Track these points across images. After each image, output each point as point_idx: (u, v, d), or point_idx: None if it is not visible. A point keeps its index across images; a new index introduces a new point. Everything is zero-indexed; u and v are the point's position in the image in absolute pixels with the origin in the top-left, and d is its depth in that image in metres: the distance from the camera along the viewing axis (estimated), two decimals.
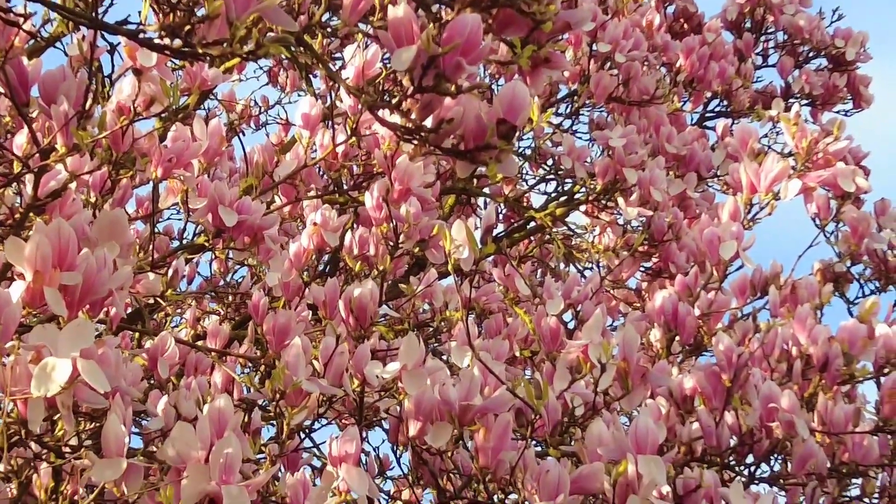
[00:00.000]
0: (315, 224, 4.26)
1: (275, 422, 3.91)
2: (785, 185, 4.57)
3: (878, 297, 4.28)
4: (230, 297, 5.36)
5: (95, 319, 3.02)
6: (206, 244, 4.16)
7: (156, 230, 4.36)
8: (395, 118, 2.45)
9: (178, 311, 5.45)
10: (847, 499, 3.90)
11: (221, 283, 5.40)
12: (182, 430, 2.89)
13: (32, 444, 2.96)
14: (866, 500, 3.90)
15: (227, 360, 4.31)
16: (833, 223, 5.16)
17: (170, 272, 4.30)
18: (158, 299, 4.54)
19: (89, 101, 3.35)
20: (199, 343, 4.50)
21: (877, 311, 4.03)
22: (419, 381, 3.49)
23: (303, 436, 4.14)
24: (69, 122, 3.30)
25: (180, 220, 5.47)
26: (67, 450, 2.93)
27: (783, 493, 3.91)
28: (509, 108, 2.35)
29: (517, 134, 2.39)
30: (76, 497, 3.00)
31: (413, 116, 2.37)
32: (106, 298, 3.02)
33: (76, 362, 2.66)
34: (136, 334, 4.60)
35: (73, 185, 3.53)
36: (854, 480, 3.88)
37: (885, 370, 3.94)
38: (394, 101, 2.41)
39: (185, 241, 4.79)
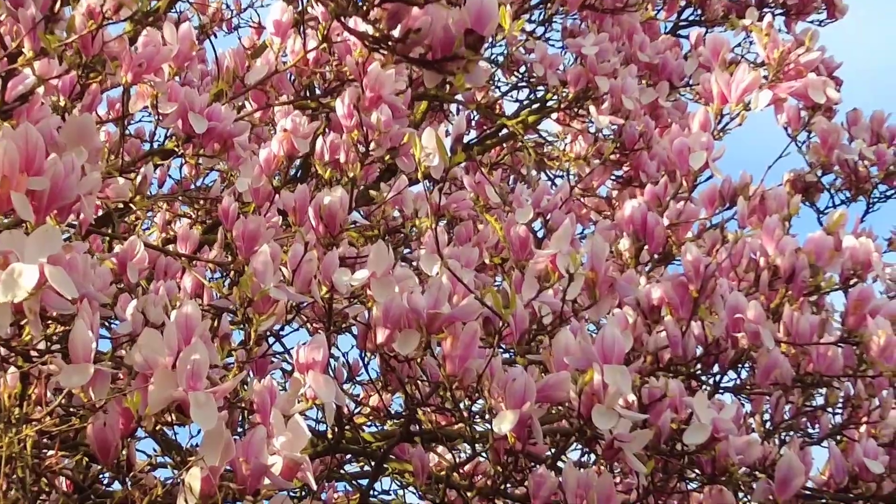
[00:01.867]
0: (285, 130, 4.25)
1: (243, 327, 3.93)
2: (756, 96, 4.57)
3: (846, 208, 4.30)
4: (201, 202, 5.34)
5: (64, 224, 3.02)
6: (177, 149, 4.15)
7: (126, 133, 4.34)
8: (366, 26, 2.44)
9: (149, 214, 5.44)
10: (811, 408, 3.95)
11: (192, 187, 5.38)
12: (149, 336, 2.89)
13: None
14: (830, 410, 3.95)
15: (197, 265, 4.31)
16: (804, 134, 5.18)
17: (139, 178, 4.29)
18: (128, 203, 4.52)
19: (58, 4, 3.32)
20: (169, 247, 4.50)
21: (845, 223, 4.05)
22: (388, 289, 3.49)
23: (272, 340, 4.16)
24: (37, 26, 3.27)
25: (151, 122, 5.44)
26: (35, 354, 2.93)
27: (748, 402, 3.95)
28: (477, 18, 2.34)
29: (485, 44, 2.39)
30: (43, 402, 3.00)
31: (381, 26, 2.36)
32: (74, 204, 3.01)
33: (43, 268, 2.66)
34: (106, 238, 4.59)
35: (41, 90, 3.50)
36: (818, 391, 3.93)
37: (852, 282, 3.97)
38: (363, 9, 2.39)
39: (155, 145, 4.76)
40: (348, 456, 5.10)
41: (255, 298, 3.47)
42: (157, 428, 3.05)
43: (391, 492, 5.17)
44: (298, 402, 3.26)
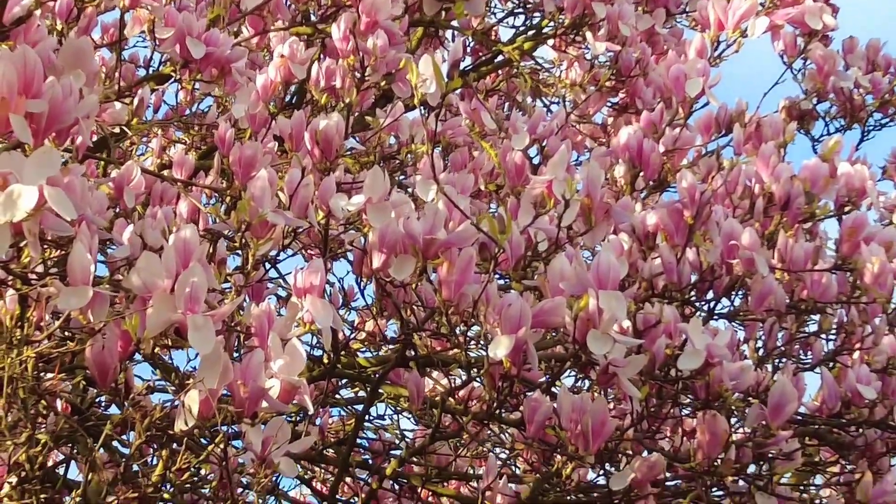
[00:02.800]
0: (282, 56, 4.23)
1: (240, 252, 3.93)
2: (752, 23, 4.56)
3: (841, 135, 4.31)
4: (196, 127, 5.33)
5: (61, 148, 3.02)
6: (173, 74, 4.13)
7: (122, 59, 4.33)
8: None
9: (144, 140, 5.43)
10: (804, 335, 3.97)
11: (187, 112, 5.37)
12: (148, 259, 2.90)
13: None
14: (823, 336, 3.97)
15: (193, 191, 4.31)
16: (800, 61, 5.17)
17: (135, 101, 4.28)
18: (124, 128, 4.52)
19: None
20: (165, 173, 4.50)
21: (840, 150, 4.06)
22: (384, 214, 3.50)
23: (268, 266, 4.16)
24: None
25: (147, 47, 5.42)
26: (33, 277, 2.94)
27: (742, 328, 3.97)
28: None
29: None
30: (42, 324, 3.02)
31: None
32: (72, 127, 3.01)
33: (42, 189, 2.67)
34: (102, 163, 4.59)
35: (37, 12, 3.49)
36: (812, 317, 3.95)
37: (846, 209, 3.98)
38: None
39: (151, 70, 4.75)
40: (343, 381, 5.14)
41: (253, 223, 3.48)
42: (155, 352, 3.07)
43: (386, 416, 5.21)
44: (296, 327, 3.27)
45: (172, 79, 4.18)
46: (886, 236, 3.89)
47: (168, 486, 3.12)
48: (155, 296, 2.86)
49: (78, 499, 2.93)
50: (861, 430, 3.81)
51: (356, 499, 4.50)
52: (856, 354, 3.88)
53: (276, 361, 3.03)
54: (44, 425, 3.22)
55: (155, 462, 3.60)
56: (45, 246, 3.01)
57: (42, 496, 2.93)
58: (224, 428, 2.96)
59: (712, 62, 4.65)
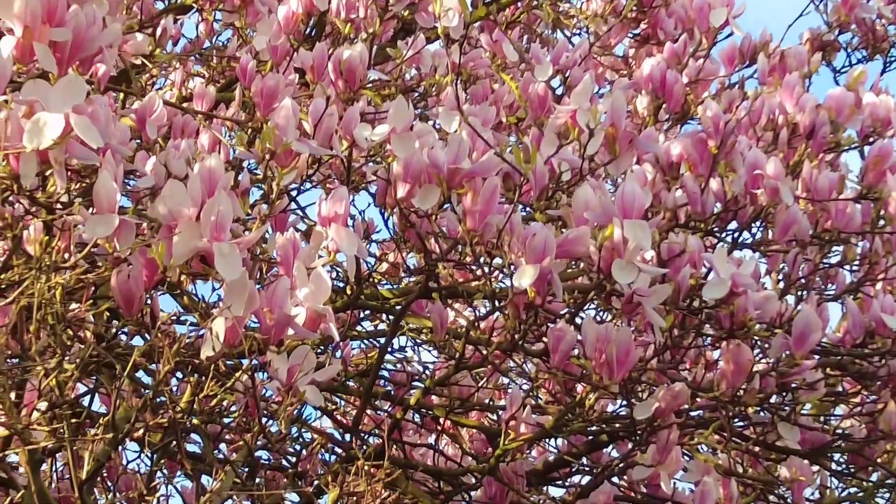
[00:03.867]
0: None
1: (262, 185, 3.93)
2: None
3: (865, 66, 4.27)
4: (216, 60, 5.31)
5: (86, 77, 3.01)
6: (195, 4, 4.12)
7: None
8: None
9: (164, 73, 5.41)
10: (827, 266, 3.96)
11: (207, 45, 5.35)
12: (173, 187, 2.91)
13: (24, 201, 2.98)
14: (847, 267, 3.96)
15: (214, 123, 4.30)
16: None
17: (158, 32, 4.26)
18: (144, 60, 4.51)
19: None
20: (185, 105, 4.49)
21: (864, 80, 4.04)
22: (408, 144, 3.49)
23: (290, 199, 4.16)
24: None
25: None
26: (59, 206, 2.94)
27: (765, 259, 3.96)
28: None
29: None
30: (67, 254, 3.02)
31: None
32: (95, 56, 3.01)
33: (68, 117, 2.67)
34: (121, 96, 4.58)
35: None
36: (835, 248, 3.94)
37: (871, 139, 3.96)
38: None
39: (172, 1, 4.72)
40: (365, 314, 5.14)
41: (278, 151, 3.47)
42: (182, 281, 3.08)
43: (407, 349, 5.21)
44: (320, 257, 3.27)
45: (194, 9, 4.16)
46: None
47: (194, 415, 3.13)
48: (181, 224, 2.86)
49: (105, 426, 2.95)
50: (884, 361, 3.80)
51: (378, 430, 4.50)
52: (879, 285, 3.87)
53: (302, 289, 3.03)
54: (70, 355, 3.22)
55: (180, 392, 3.61)
56: (71, 176, 3.01)
57: (71, 420, 2.95)
58: (250, 357, 2.96)
59: None
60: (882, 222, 3.83)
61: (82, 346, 3.29)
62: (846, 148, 3.94)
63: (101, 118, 2.93)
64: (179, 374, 3.67)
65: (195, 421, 3.13)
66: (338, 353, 4.78)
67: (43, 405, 2.97)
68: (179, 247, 2.86)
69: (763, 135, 3.97)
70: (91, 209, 2.86)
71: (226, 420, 3.69)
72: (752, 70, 4.63)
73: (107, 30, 3.04)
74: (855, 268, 3.96)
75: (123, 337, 4.00)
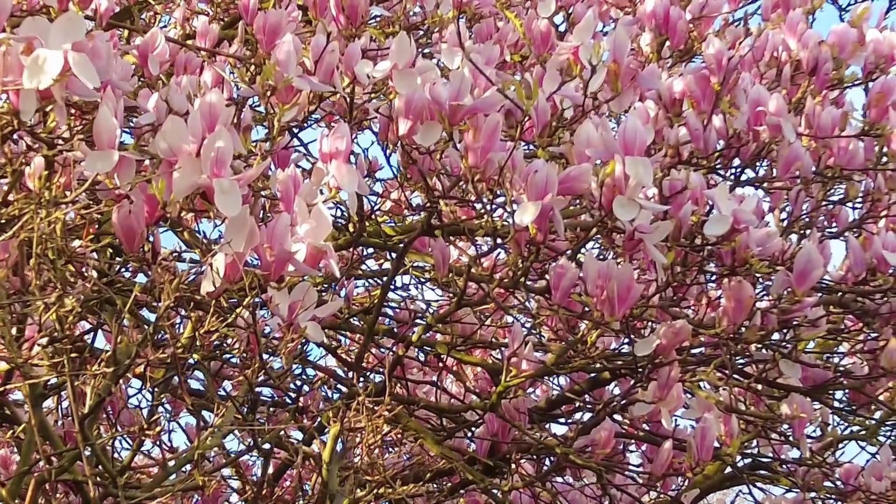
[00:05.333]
0: None
1: (265, 124, 3.92)
2: None
3: (870, 2, 4.24)
4: None
5: (87, 12, 3.00)
6: None
7: None
8: None
9: (167, 10, 5.39)
10: (830, 203, 3.96)
11: None
12: (173, 123, 2.90)
13: (25, 139, 2.98)
14: (849, 204, 3.96)
15: (217, 60, 4.28)
16: None
17: None
18: None
19: None
20: (189, 43, 4.47)
21: (868, 17, 4.02)
22: (410, 80, 3.48)
23: (292, 136, 4.16)
24: None
25: None
26: (60, 142, 2.94)
27: (768, 198, 3.96)
28: None
29: None
30: (68, 190, 3.02)
31: None
32: None
33: (67, 54, 2.66)
34: (126, 33, 4.57)
35: None
36: (838, 185, 3.93)
37: (874, 75, 3.95)
38: None
39: None
40: (369, 252, 5.16)
41: (279, 87, 3.46)
42: (182, 217, 3.08)
43: (411, 287, 5.22)
44: (321, 194, 3.27)
45: None
46: None
47: (196, 351, 3.14)
48: (181, 159, 2.86)
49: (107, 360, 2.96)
50: (886, 298, 3.80)
51: (381, 367, 4.53)
52: (882, 222, 3.87)
53: (303, 226, 3.03)
54: (72, 291, 3.23)
55: (182, 329, 3.62)
56: (71, 113, 3.01)
57: (72, 356, 2.95)
58: (251, 293, 2.96)
59: None
60: (885, 159, 3.82)
61: (84, 283, 3.30)
62: (849, 85, 3.93)
63: (102, 54, 2.93)
64: (182, 311, 3.68)
65: (197, 355, 3.14)
66: (342, 292, 4.80)
67: (44, 340, 2.98)
68: (180, 182, 2.86)
69: (766, 72, 3.96)
70: (92, 145, 2.86)
71: (228, 356, 3.71)
72: (756, 6, 4.62)
73: None
74: (858, 205, 3.95)
75: (127, 274, 4.03)
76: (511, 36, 4.69)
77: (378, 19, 4.57)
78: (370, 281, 5.42)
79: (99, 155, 2.83)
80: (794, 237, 3.84)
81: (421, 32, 4.82)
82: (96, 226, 3.53)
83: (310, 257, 3.03)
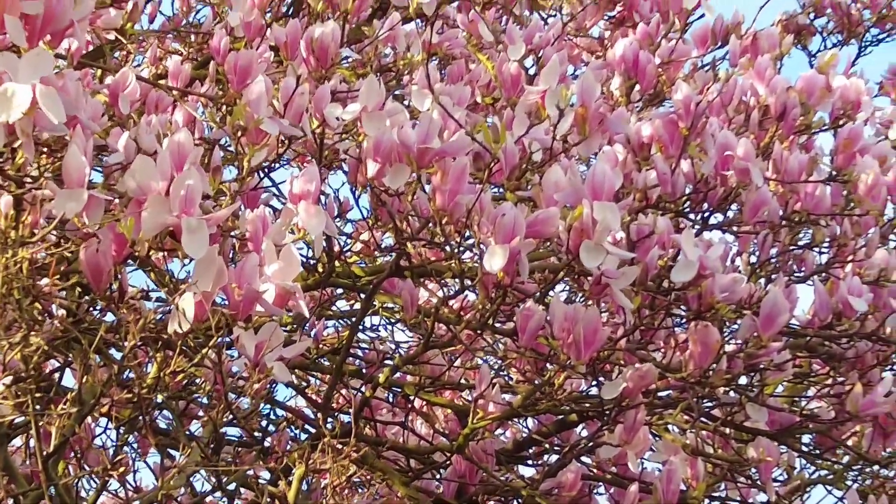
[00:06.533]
0: None
1: (235, 163, 3.93)
2: None
3: (838, 49, 4.29)
4: (192, 38, 5.31)
5: (55, 53, 3.00)
6: None
7: None
8: None
9: (140, 49, 5.41)
10: (797, 247, 3.98)
11: (184, 23, 5.35)
12: (143, 162, 2.91)
13: None
14: (816, 248, 3.98)
15: (188, 100, 4.29)
16: None
17: (129, 6, 4.25)
18: (119, 37, 4.50)
19: None
20: (161, 83, 4.48)
21: (836, 64, 4.06)
22: (379, 123, 3.49)
23: (262, 176, 4.16)
24: None
25: None
26: (28, 180, 2.94)
27: (735, 242, 3.98)
28: None
29: None
30: (36, 228, 3.02)
31: None
32: (67, 29, 2.99)
33: (35, 88, 2.67)
34: (98, 72, 4.57)
35: None
36: (805, 229, 3.96)
37: (841, 122, 3.98)
38: None
39: None
40: (338, 293, 5.16)
41: (249, 128, 3.46)
42: (150, 256, 3.08)
43: (380, 328, 5.23)
44: (290, 234, 3.28)
45: None
46: (881, 150, 3.92)
47: (162, 391, 3.13)
48: (150, 198, 2.87)
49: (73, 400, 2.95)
50: (852, 342, 3.83)
51: (350, 408, 4.52)
52: (848, 267, 3.90)
53: (271, 266, 3.04)
54: (39, 330, 3.23)
55: (149, 367, 3.61)
56: (41, 151, 3.01)
57: (37, 395, 2.95)
58: (218, 332, 2.96)
59: None
60: (852, 205, 3.85)
61: (52, 322, 3.29)
62: (817, 130, 3.96)
63: (72, 91, 2.93)
64: (149, 350, 3.68)
65: (161, 396, 3.13)
66: (312, 332, 4.80)
67: (8, 379, 2.96)
68: (148, 221, 2.87)
69: (734, 117, 3.98)
70: (61, 184, 2.86)
71: (195, 396, 3.70)
72: (724, 51, 4.65)
73: (79, 3, 3.03)
74: (825, 250, 3.98)
75: (96, 312, 4.02)
76: (483, 77, 4.71)
77: (350, 61, 4.59)
78: (340, 321, 5.42)
79: (68, 194, 2.84)
80: (761, 281, 3.86)
81: (392, 74, 4.84)
82: (66, 264, 3.53)
83: (278, 297, 3.04)
